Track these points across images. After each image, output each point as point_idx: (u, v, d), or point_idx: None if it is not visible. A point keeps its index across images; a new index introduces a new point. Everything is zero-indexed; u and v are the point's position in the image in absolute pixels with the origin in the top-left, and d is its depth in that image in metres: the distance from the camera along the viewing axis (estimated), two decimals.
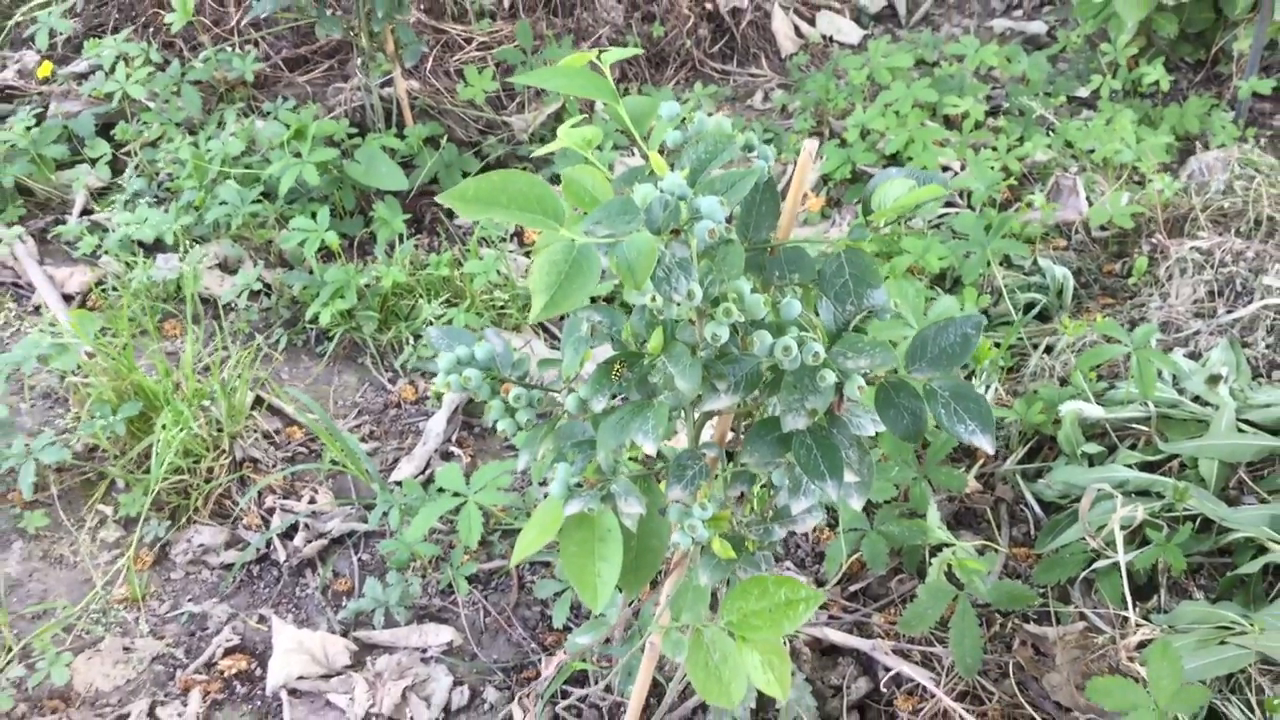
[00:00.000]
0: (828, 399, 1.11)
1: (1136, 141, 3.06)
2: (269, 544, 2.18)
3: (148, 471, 2.22)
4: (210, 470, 2.25)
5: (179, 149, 2.96)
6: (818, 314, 1.18)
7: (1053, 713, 1.80)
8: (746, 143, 1.17)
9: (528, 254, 2.88)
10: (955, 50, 3.55)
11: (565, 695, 1.85)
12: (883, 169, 2.22)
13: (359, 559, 2.17)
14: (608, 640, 1.75)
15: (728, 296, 1.09)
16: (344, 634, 2.02)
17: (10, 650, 1.97)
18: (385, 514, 2.13)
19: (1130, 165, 3.02)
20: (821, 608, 2.00)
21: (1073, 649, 1.84)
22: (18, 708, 1.88)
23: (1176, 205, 2.81)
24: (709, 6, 3.92)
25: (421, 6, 3.67)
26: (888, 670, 1.86)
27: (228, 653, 1.99)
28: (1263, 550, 1.86)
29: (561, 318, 2.71)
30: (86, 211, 3.06)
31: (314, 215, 2.75)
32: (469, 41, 3.67)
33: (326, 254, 2.85)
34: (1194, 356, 2.33)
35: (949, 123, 3.31)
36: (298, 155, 2.80)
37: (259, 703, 1.92)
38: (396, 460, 2.37)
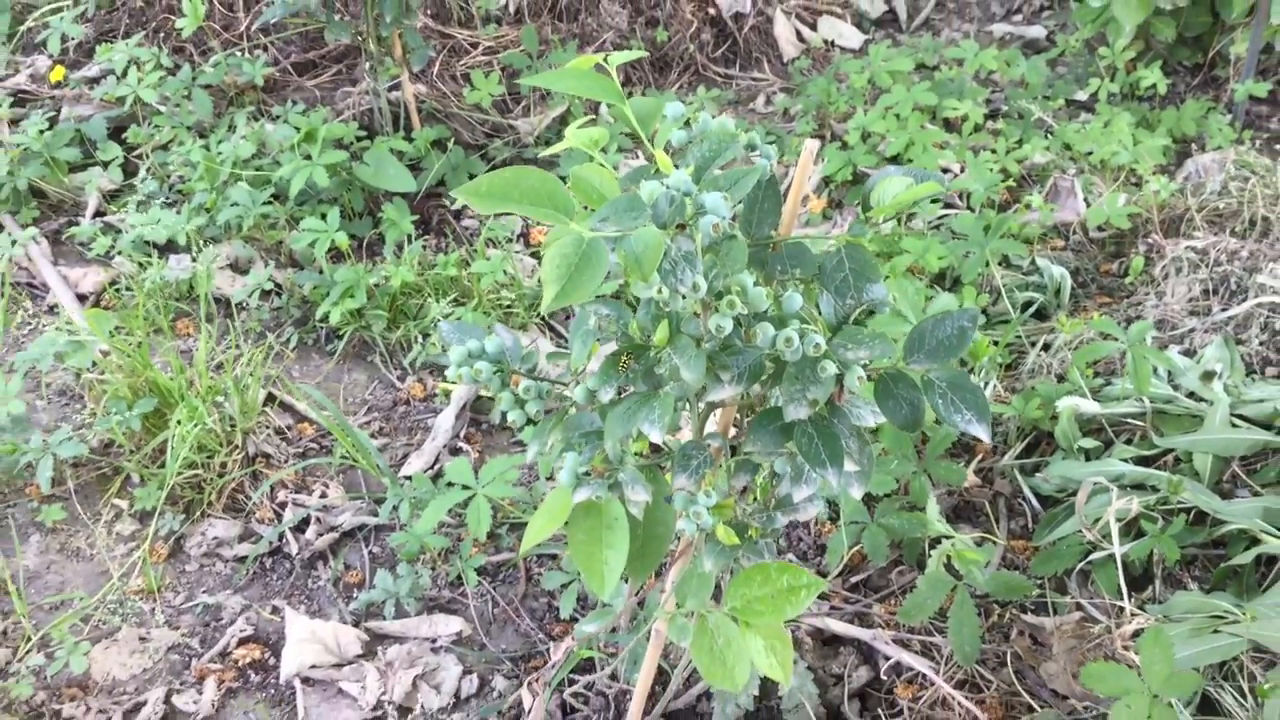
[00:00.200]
0: (828, 389, 1.16)
1: (1134, 144, 3.11)
2: (281, 537, 2.23)
3: (162, 466, 2.27)
4: (223, 465, 2.30)
5: (190, 152, 3.01)
6: (819, 309, 1.22)
7: (1050, 700, 1.84)
8: (749, 142, 1.22)
9: (534, 255, 2.93)
10: (955, 54, 3.60)
11: (572, 682, 1.89)
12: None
13: (370, 552, 2.21)
14: (614, 629, 1.79)
15: (731, 290, 1.13)
16: (355, 624, 2.06)
17: (29, 640, 2.01)
18: (395, 508, 2.18)
19: (1127, 167, 3.06)
20: (823, 598, 2.04)
21: (1069, 638, 1.88)
22: (37, 695, 1.93)
23: (1173, 206, 2.85)
24: (712, 11, 3.97)
25: (429, 12, 3.72)
26: (888, 659, 1.90)
27: (242, 643, 2.03)
28: (1255, 542, 1.90)
29: (567, 317, 2.76)
30: (99, 213, 3.11)
31: (324, 216, 2.80)
32: (475, 46, 3.71)
33: (336, 254, 2.90)
34: (1189, 353, 2.37)
35: (949, 125, 3.36)
36: (308, 158, 2.85)
37: (273, 691, 1.96)
38: (406, 456, 2.42)
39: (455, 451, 2.43)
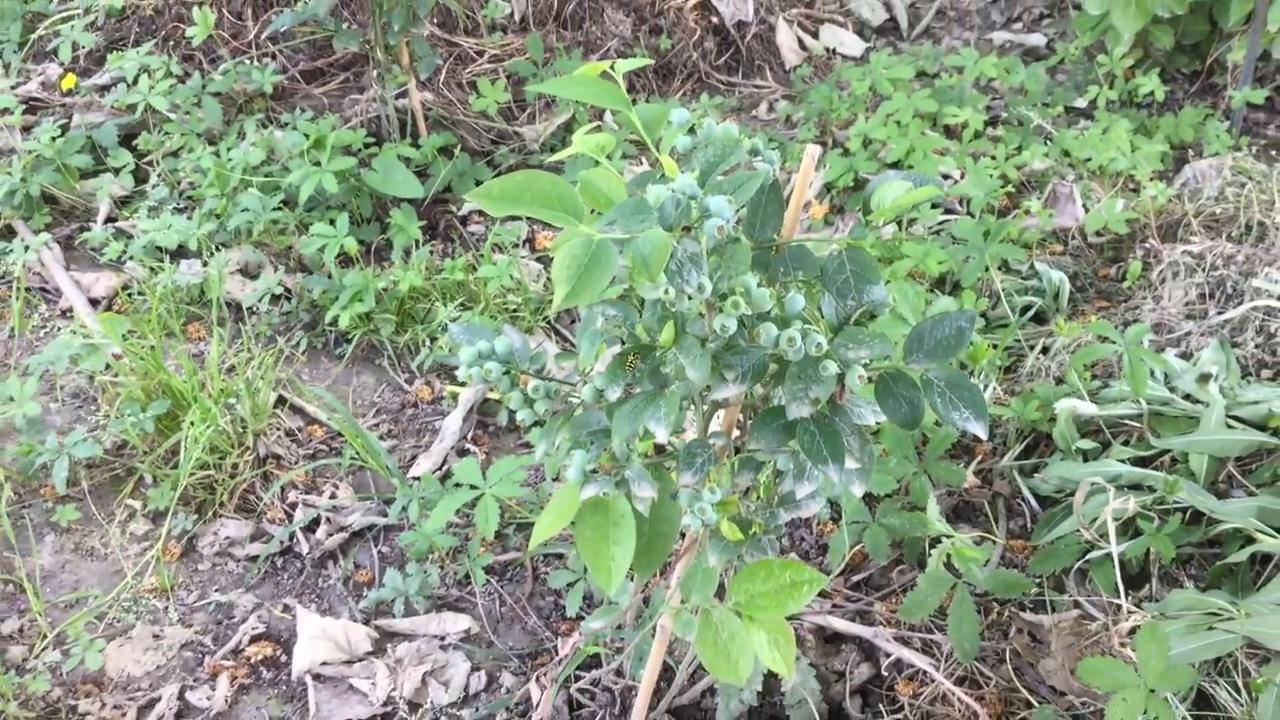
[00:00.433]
0: (830, 388, 1.19)
1: (1132, 150, 3.15)
2: (292, 537, 2.27)
3: (175, 467, 2.31)
4: (235, 466, 2.34)
5: (201, 158, 3.05)
6: (821, 310, 1.25)
7: (1048, 696, 1.87)
8: (753, 147, 1.25)
9: (539, 260, 2.97)
10: (955, 62, 3.64)
11: (578, 678, 1.92)
12: None
13: (379, 551, 2.25)
14: (620, 626, 1.83)
15: (735, 291, 1.16)
16: (365, 622, 2.10)
17: (46, 637, 2.05)
18: (404, 508, 2.21)
19: (1126, 173, 3.10)
20: (825, 597, 2.07)
21: (1067, 635, 1.91)
22: (53, 691, 1.96)
23: (1170, 211, 2.89)
24: (715, 20, 4.01)
25: (435, 20, 3.77)
26: (889, 656, 1.93)
27: (254, 640, 2.07)
28: (1250, 540, 1.93)
29: (572, 321, 2.79)
30: (110, 219, 3.15)
31: (333, 222, 2.84)
32: (481, 54, 3.76)
33: (345, 259, 2.94)
34: (1186, 356, 2.40)
35: (949, 132, 3.40)
36: (317, 164, 2.89)
37: (284, 687, 2.00)
38: (414, 457, 2.46)
39: (463, 453, 2.47)
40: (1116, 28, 3.45)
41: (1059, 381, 2.39)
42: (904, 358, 1.20)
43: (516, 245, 2.98)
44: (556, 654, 1.97)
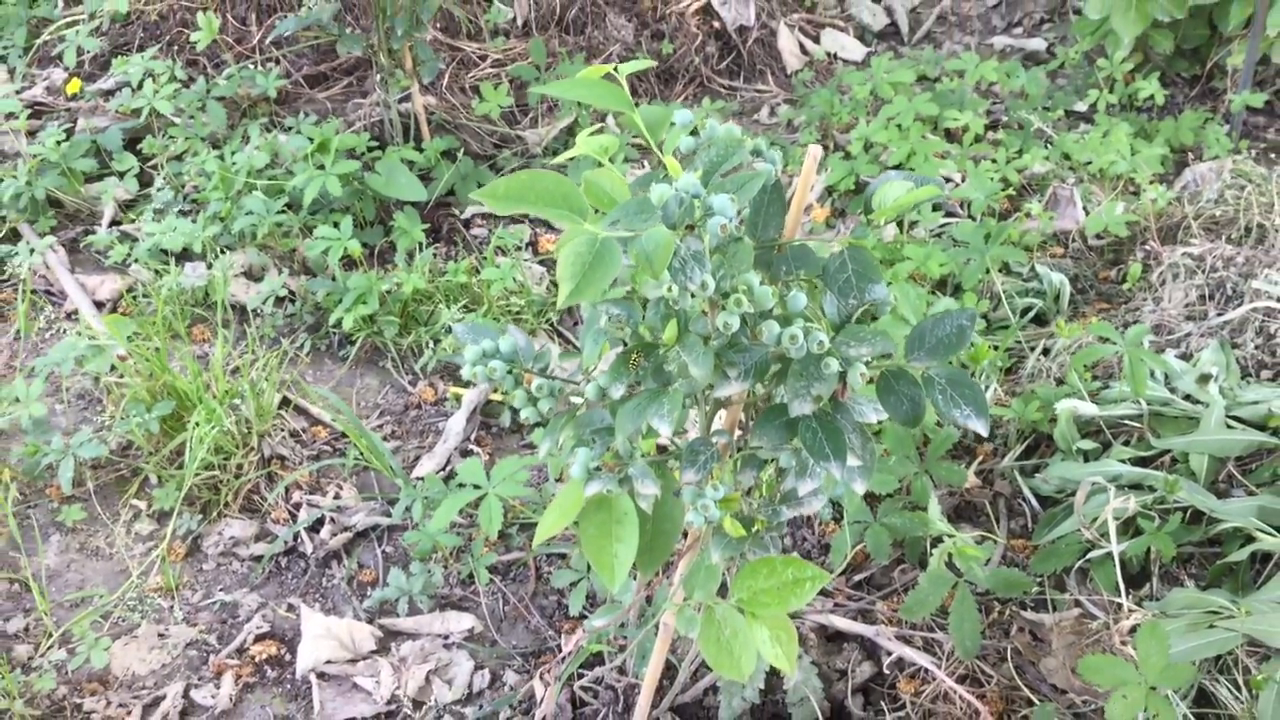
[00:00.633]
0: (832, 385, 1.20)
1: (1132, 154, 3.16)
2: (296, 537, 2.28)
3: (180, 468, 2.32)
4: (240, 467, 2.35)
5: (205, 162, 3.07)
6: (823, 309, 1.26)
7: (1049, 695, 1.88)
8: (755, 147, 1.26)
9: (542, 262, 2.98)
10: (956, 66, 3.66)
11: (581, 676, 1.93)
12: None
13: (383, 551, 2.26)
14: (623, 624, 1.84)
15: (738, 289, 1.17)
16: (369, 621, 2.11)
17: (51, 635, 2.06)
18: (408, 508, 2.23)
19: (1126, 176, 3.11)
20: (827, 596, 2.08)
21: (1068, 634, 1.92)
22: (59, 689, 1.97)
23: (1170, 214, 2.90)
24: (716, 25, 4.03)
25: (438, 25, 3.79)
26: (890, 655, 1.94)
27: (258, 639, 2.08)
28: (1250, 540, 1.94)
29: (575, 323, 2.81)
30: (115, 222, 3.17)
31: (337, 225, 2.86)
32: (484, 59, 3.78)
33: (349, 262, 2.95)
34: (1185, 357, 2.41)
35: (950, 136, 3.41)
36: (321, 167, 2.91)
37: (289, 685, 2.01)
38: (418, 458, 2.47)
39: (466, 454, 2.48)
40: (1116, 32, 3.47)
41: (1060, 382, 2.40)
42: (905, 356, 1.21)
43: (519, 248, 2.99)
44: (559, 652, 1.98)
